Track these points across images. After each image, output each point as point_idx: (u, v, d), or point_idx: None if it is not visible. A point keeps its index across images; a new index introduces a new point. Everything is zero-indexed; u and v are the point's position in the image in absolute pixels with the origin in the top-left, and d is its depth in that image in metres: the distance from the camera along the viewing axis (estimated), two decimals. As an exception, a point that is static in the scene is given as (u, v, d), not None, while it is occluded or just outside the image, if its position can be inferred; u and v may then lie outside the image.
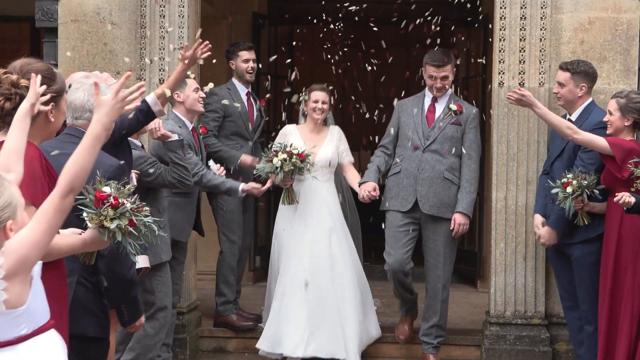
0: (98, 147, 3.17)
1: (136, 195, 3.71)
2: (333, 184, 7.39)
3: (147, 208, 3.65)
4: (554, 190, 6.12)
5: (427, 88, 7.10)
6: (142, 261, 5.46)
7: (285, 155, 6.87)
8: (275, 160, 6.88)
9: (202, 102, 6.80)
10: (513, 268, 7.04)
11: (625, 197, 5.58)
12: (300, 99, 7.44)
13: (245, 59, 7.76)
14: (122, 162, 4.26)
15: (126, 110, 3.37)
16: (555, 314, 7.11)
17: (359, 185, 6.96)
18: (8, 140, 3.28)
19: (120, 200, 3.49)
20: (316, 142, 7.25)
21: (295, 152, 6.92)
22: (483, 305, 7.52)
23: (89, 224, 3.49)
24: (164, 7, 7.25)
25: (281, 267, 7.20)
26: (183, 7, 7.27)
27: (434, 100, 7.05)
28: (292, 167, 6.87)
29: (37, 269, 3.04)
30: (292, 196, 7.12)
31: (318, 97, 7.26)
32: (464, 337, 7.54)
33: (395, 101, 7.32)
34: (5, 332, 2.90)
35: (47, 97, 3.47)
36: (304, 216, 7.18)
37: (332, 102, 7.49)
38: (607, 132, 6.18)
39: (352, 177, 7.32)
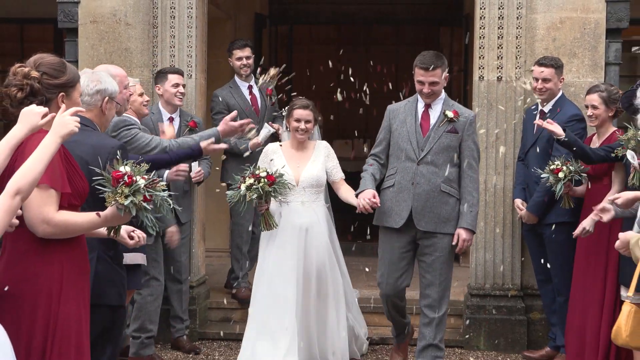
0: (47, 158, 3.15)
1: (153, 172, 3.69)
2: (322, 202, 6.33)
3: (163, 183, 3.63)
4: (543, 176, 6.15)
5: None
6: (140, 259, 5.51)
7: (252, 180, 5.79)
8: (242, 186, 5.82)
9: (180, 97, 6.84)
10: (492, 245, 7.08)
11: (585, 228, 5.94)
12: (283, 112, 6.59)
13: (239, 57, 7.71)
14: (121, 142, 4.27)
15: (75, 130, 3.31)
16: (530, 286, 7.16)
17: (357, 196, 5.82)
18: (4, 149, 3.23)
19: (134, 178, 3.49)
20: (300, 160, 6.23)
21: (263, 174, 5.80)
22: (465, 279, 7.56)
23: (106, 202, 3.51)
24: (174, 9, 7.29)
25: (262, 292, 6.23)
26: (191, 8, 7.29)
27: (428, 106, 5.94)
28: (259, 193, 5.76)
29: None
30: (270, 222, 6.00)
31: (301, 116, 6.17)
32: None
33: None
34: None
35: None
36: (285, 242, 6.13)
37: (317, 117, 6.32)
38: (592, 124, 6.30)
39: (346, 192, 6.21)
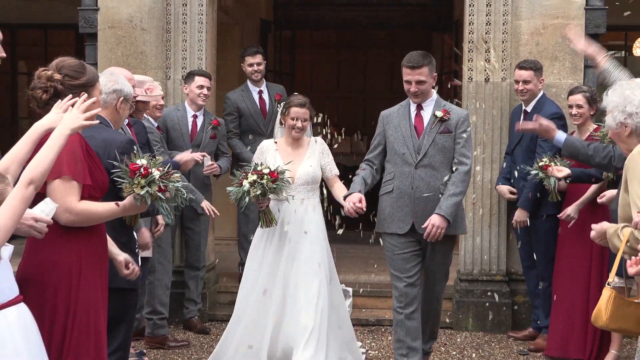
0: (57, 150, 3.11)
1: (168, 165, 3.69)
2: (317, 199, 5.75)
3: (178, 175, 3.62)
4: (533, 172, 6.16)
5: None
6: (147, 253, 5.50)
7: (254, 177, 5.32)
8: (244, 183, 5.35)
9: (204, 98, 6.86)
10: (480, 233, 7.07)
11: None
12: (280, 108, 5.96)
13: (250, 63, 7.64)
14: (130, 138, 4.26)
15: (85, 124, 3.25)
16: (515, 271, 7.15)
17: (344, 199, 5.32)
18: (16, 147, 3.20)
19: (150, 170, 3.49)
20: (295, 157, 5.64)
21: (265, 171, 5.34)
22: (454, 265, 7.52)
23: (124, 192, 3.52)
24: (185, 15, 7.27)
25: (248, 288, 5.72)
26: (202, 14, 7.27)
27: (420, 108, 5.47)
28: (263, 189, 5.30)
29: (7, 253, 2.98)
30: (269, 218, 5.50)
31: (297, 115, 5.62)
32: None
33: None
34: None
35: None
36: (279, 238, 5.61)
37: (313, 115, 5.82)
38: (576, 122, 6.28)
39: (338, 190, 5.71)
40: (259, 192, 5.26)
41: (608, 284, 3.72)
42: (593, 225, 3.79)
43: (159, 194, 3.49)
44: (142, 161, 3.53)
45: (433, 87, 5.49)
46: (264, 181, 5.27)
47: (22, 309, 3.06)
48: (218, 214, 6.58)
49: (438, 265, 5.50)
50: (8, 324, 2.94)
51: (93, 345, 3.51)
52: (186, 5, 7.26)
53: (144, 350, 6.32)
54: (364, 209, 5.16)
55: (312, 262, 5.55)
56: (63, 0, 7.87)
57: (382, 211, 5.48)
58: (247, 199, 5.36)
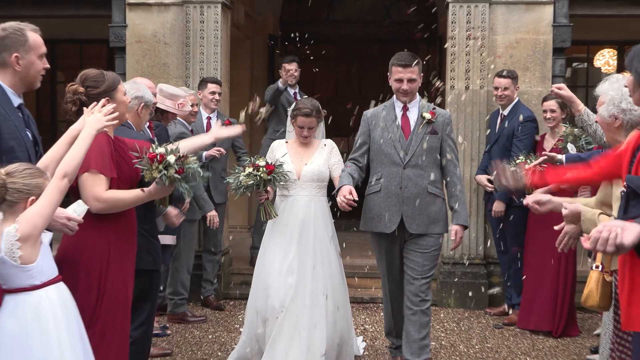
0: (85, 148, 3.16)
1: (183, 152, 3.65)
2: (323, 197, 5.18)
3: (194, 158, 3.58)
4: (512, 168, 6.13)
5: (394, 96, 5.08)
6: (169, 240, 5.47)
7: (250, 169, 4.88)
8: (241, 175, 4.91)
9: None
10: (460, 222, 7.08)
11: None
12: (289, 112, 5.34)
13: (287, 69, 7.59)
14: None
15: (107, 124, 3.31)
16: (491, 256, 7.15)
17: (335, 195, 4.74)
18: (54, 148, 3.25)
19: (165, 156, 3.49)
20: (304, 156, 5.16)
21: (262, 163, 4.90)
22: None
23: (145, 179, 3.52)
24: (203, 30, 7.28)
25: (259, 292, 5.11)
26: (217, 30, 7.28)
27: (405, 109, 5.00)
28: (257, 181, 4.84)
29: (47, 238, 3.03)
30: (269, 210, 4.98)
31: (303, 124, 5.10)
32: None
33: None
34: (23, 281, 2.93)
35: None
36: (285, 234, 5.06)
37: (321, 117, 5.27)
38: (550, 125, 6.31)
39: None
40: (251, 182, 4.82)
41: (596, 267, 3.63)
42: (565, 204, 3.50)
43: (176, 175, 3.47)
44: (159, 150, 3.52)
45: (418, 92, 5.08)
46: (260, 173, 4.84)
47: (61, 286, 3.08)
48: (217, 226, 6.44)
49: (422, 258, 4.92)
50: (49, 300, 2.97)
51: (120, 318, 3.54)
52: (203, 22, 7.27)
53: (167, 325, 6.33)
54: (356, 200, 4.57)
55: (316, 280, 4.99)
56: (96, 18, 7.86)
57: (369, 210, 4.97)
58: (242, 190, 4.88)
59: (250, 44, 10.03)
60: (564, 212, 3.44)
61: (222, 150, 6.51)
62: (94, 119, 3.24)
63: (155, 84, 5.79)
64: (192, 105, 6.16)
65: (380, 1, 11.50)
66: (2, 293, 2.94)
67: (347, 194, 4.56)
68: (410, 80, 4.90)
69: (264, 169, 4.86)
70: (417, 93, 5.05)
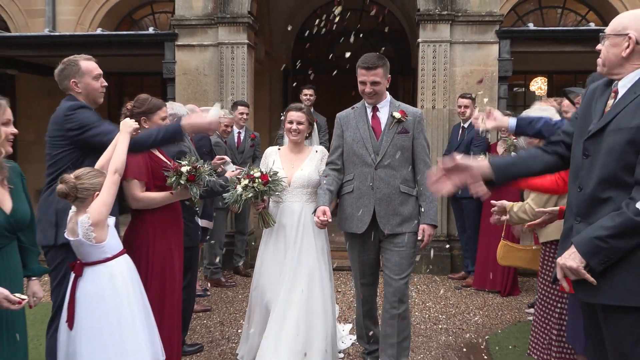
0: (125, 147, 3.14)
1: (205, 161, 3.63)
2: (314, 203, 3.97)
3: (207, 167, 3.53)
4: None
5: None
6: (206, 224, 5.36)
7: (246, 181, 3.85)
8: (238, 187, 3.86)
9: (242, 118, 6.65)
10: (429, 209, 7.05)
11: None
12: (282, 117, 4.40)
13: (304, 94, 7.62)
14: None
15: (135, 128, 3.24)
16: (452, 234, 7.13)
17: (314, 214, 3.76)
18: (105, 153, 3.19)
19: (180, 166, 3.50)
20: (295, 162, 4.09)
21: (257, 175, 3.86)
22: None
23: (167, 183, 3.51)
24: (233, 65, 7.27)
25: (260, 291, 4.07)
26: (244, 65, 7.27)
27: (375, 109, 3.88)
28: (255, 192, 3.83)
29: (112, 221, 3.02)
30: (267, 219, 3.96)
31: (293, 118, 4.07)
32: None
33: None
34: (98, 256, 2.95)
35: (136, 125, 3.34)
36: (279, 240, 4.01)
37: (312, 121, 4.19)
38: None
39: None
40: (250, 195, 3.82)
41: (504, 239, 3.84)
42: (493, 202, 3.39)
43: (188, 182, 3.48)
44: (182, 162, 3.50)
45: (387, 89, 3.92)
46: (256, 184, 3.83)
47: (127, 258, 3.10)
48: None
49: (398, 256, 3.81)
50: (119, 267, 3.00)
51: (168, 285, 3.53)
52: (234, 59, 7.27)
53: (207, 287, 6.33)
54: (329, 219, 3.63)
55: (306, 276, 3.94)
56: (153, 56, 7.87)
57: (343, 211, 3.92)
58: (241, 202, 3.85)
59: (269, 75, 10.04)
60: (494, 209, 3.41)
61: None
62: (124, 124, 3.25)
63: (199, 107, 5.76)
64: (226, 126, 6.12)
65: (369, 42, 11.49)
66: (83, 266, 2.96)
67: (321, 215, 3.62)
68: (373, 83, 3.79)
69: (260, 180, 3.85)
70: (388, 92, 3.92)
